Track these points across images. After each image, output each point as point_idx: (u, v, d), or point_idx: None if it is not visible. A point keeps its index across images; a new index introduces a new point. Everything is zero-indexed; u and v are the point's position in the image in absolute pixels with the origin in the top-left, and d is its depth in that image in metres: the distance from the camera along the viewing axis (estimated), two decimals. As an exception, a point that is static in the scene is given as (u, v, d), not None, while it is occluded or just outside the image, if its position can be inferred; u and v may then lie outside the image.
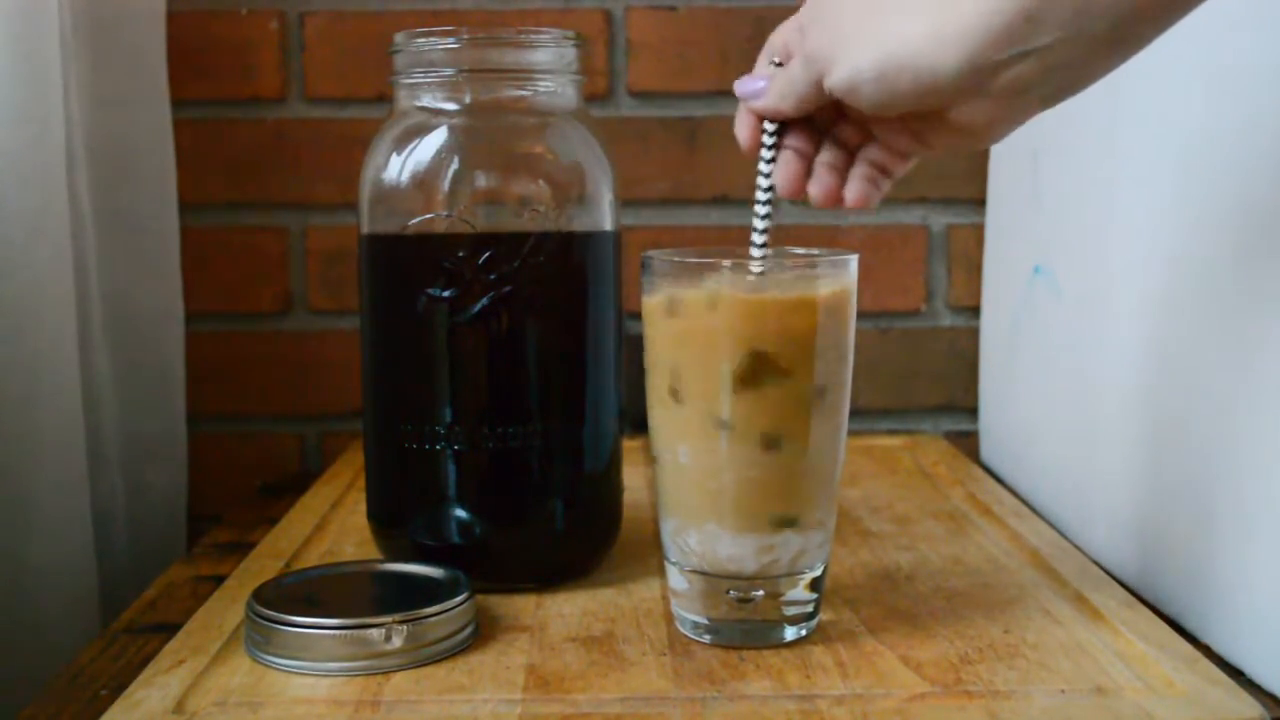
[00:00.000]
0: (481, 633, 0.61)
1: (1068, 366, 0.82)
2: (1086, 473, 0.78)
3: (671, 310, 0.59)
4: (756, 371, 0.57)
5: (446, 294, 0.65)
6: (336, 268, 1.04)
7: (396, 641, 0.57)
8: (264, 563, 0.71)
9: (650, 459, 0.63)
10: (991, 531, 0.77)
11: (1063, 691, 0.54)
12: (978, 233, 1.05)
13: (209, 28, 1.02)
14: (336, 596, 0.61)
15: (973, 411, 1.06)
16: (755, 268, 0.59)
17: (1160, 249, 0.69)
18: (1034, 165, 0.89)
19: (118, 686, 0.56)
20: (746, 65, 0.61)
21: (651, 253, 0.61)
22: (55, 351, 0.79)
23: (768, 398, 0.58)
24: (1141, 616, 0.62)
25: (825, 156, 0.59)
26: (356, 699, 0.54)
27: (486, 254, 0.65)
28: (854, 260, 0.60)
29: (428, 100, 0.68)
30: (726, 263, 0.59)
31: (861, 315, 0.62)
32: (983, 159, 1.03)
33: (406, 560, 0.66)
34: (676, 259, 0.60)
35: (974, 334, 1.06)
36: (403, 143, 0.67)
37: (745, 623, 0.60)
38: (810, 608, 0.61)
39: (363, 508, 0.73)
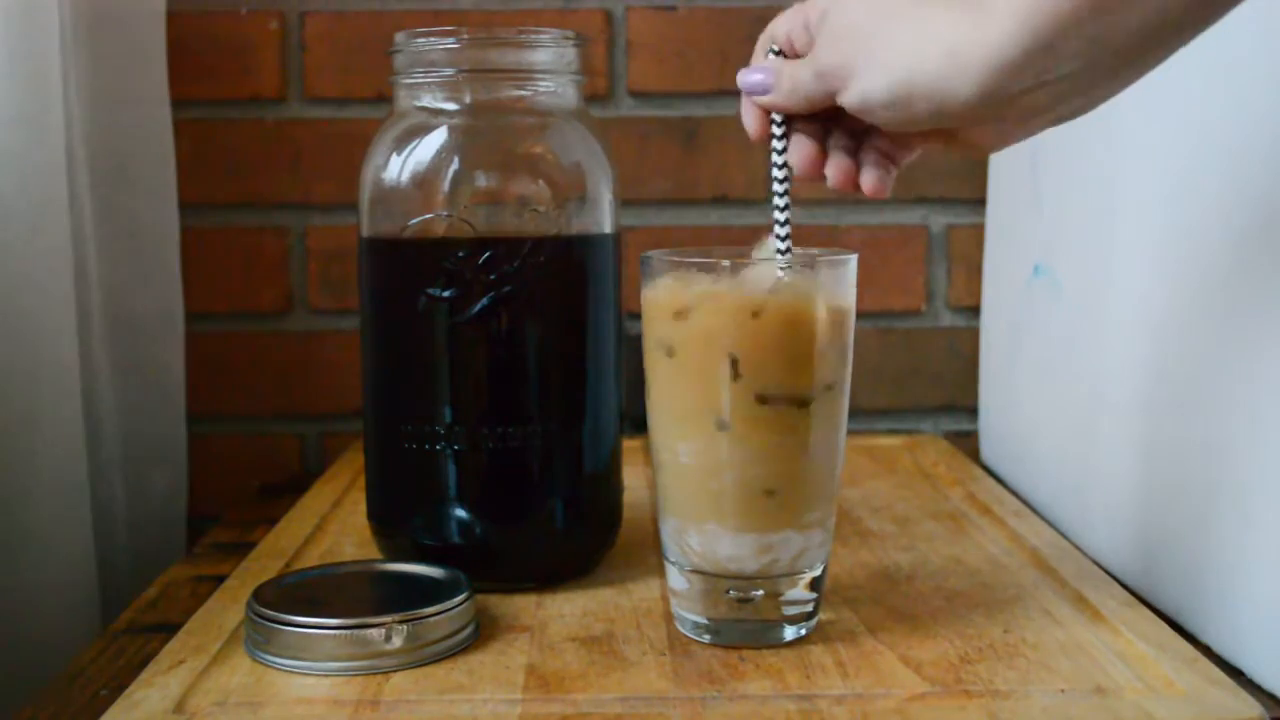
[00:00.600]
0: (481, 633, 0.61)
1: (1068, 366, 0.82)
2: (1086, 473, 0.78)
3: (671, 310, 0.59)
4: (757, 372, 0.57)
5: (446, 294, 0.65)
6: (336, 268, 1.04)
7: (396, 641, 0.57)
8: (264, 563, 0.71)
9: (650, 459, 0.63)
10: (991, 531, 0.77)
11: (1063, 691, 0.54)
12: (978, 233, 1.05)
13: (209, 28, 1.02)
14: (336, 596, 0.61)
15: (973, 411, 1.06)
16: (781, 259, 0.59)
17: (1160, 249, 0.69)
18: (1034, 165, 0.89)
19: (118, 686, 0.56)
20: (746, 65, 0.61)
21: (651, 253, 0.61)
22: (55, 351, 0.79)
23: (768, 397, 0.58)
24: (1141, 616, 0.62)
25: (837, 140, 0.59)
26: (356, 699, 0.54)
27: (486, 254, 0.65)
28: (854, 260, 0.60)
29: (428, 100, 0.68)
30: (726, 263, 0.59)
31: (861, 315, 0.62)
32: (982, 159, 1.03)
33: (406, 560, 0.66)
34: (676, 259, 0.60)
35: (974, 334, 1.06)
36: (403, 143, 0.67)
37: (745, 622, 0.60)
38: (810, 607, 0.61)
39: (363, 508, 0.73)
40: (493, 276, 0.65)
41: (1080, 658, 0.58)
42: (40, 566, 0.78)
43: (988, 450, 1.01)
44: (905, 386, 1.07)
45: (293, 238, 1.04)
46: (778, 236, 0.59)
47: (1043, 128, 0.54)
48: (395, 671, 0.56)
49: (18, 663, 0.76)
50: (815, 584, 0.61)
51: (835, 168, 0.58)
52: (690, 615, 0.61)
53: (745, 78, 0.59)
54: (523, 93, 0.68)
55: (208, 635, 0.61)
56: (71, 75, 0.86)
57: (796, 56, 0.58)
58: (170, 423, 0.98)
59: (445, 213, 0.66)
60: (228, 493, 1.01)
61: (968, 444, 1.05)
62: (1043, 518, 0.81)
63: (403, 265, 0.68)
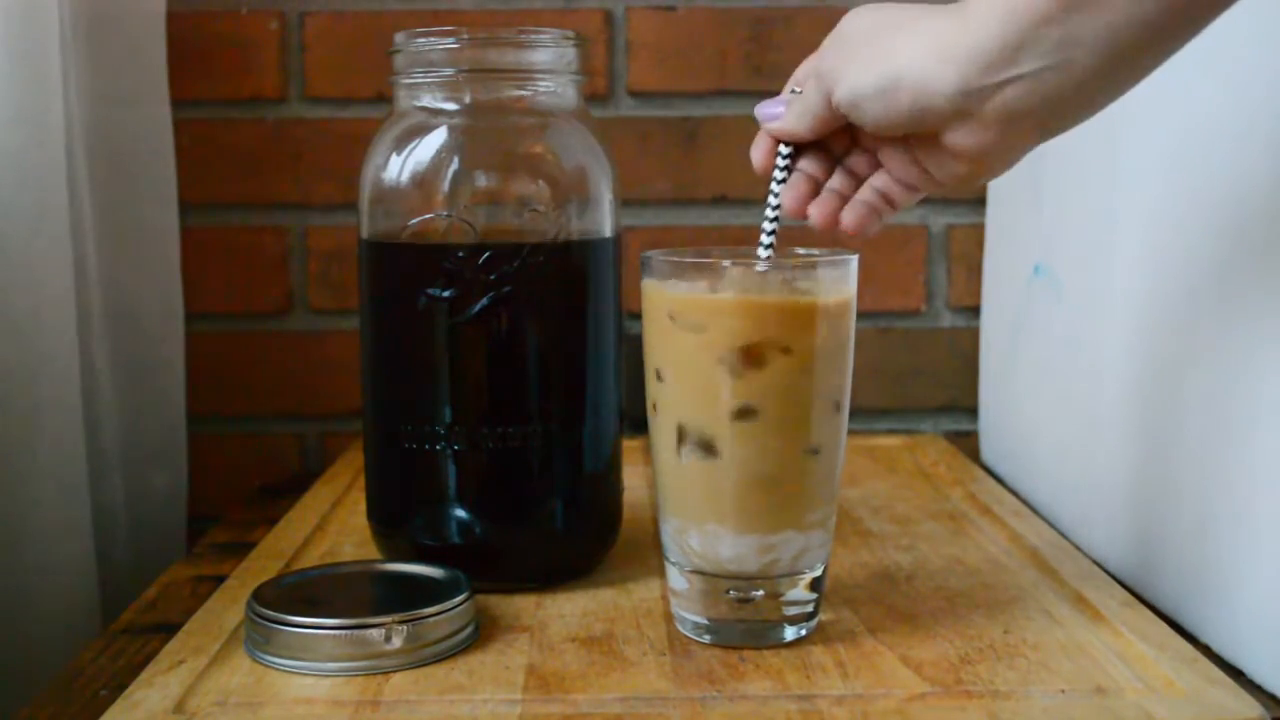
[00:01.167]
0: (481, 633, 0.61)
1: (1068, 366, 0.82)
2: (1086, 473, 0.78)
3: (671, 310, 0.59)
4: (756, 371, 0.57)
5: (446, 294, 0.65)
6: (336, 268, 1.04)
7: (396, 641, 0.57)
8: (264, 563, 0.71)
9: (650, 459, 0.63)
10: (991, 531, 0.77)
11: (1063, 691, 0.54)
12: (978, 233, 1.05)
13: (209, 28, 1.02)
14: (336, 596, 0.61)
15: (973, 411, 1.06)
16: (775, 262, 0.59)
17: (1160, 249, 0.69)
18: (1034, 165, 0.88)
19: (118, 686, 0.56)
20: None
21: (651, 252, 0.61)
22: (55, 351, 0.79)
23: (767, 397, 0.58)
24: (1141, 616, 0.62)
25: (834, 182, 0.61)
26: (356, 699, 0.54)
27: (486, 254, 0.65)
28: (854, 260, 0.60)
29: (428, 100, 0.68)
30: (726, 263, 0.59)
31: (861, 315, 0.62)
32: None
33: (406, 560, 0.66)
34: (676, 259, 0.60)
35: (974, 334, 1.06)
36: (403, 143, 0.67)
37: (745, 623, 0.60)
38: (810, 607, 0.61)
39: (363, 508, 0.73)
40: (492, 276, 0.65)
41: (1080, 658, 0.58)
42: (40, 566, 0.78)
43: (988, 450, 1.01)
44: (905, 386, 1.07)
45: (293, 238, 1.04)
46: (759, 260, 0.60)
47: (1029, 140, 0.55)
48: (395, 671, 0.56)
49: (18, 663, 0.76)
50: (815, 584, 0.61)
51: (819, 207, 0.60)
52: (690, 615, 0.61)
53: (763, 109, 0.61)
54: (523, 93, 0.68)
55: (208, 635, 0.61)
56: (71, 75, 0.86)
57: None
58: (170, 423, 0.98)
59: (445, 213, 0.66)
60: (228, 493, 1.01)
61: (968, 444, 1.05)
62: (1043, 518, 0.81)
63: (403, 265, 0.68)
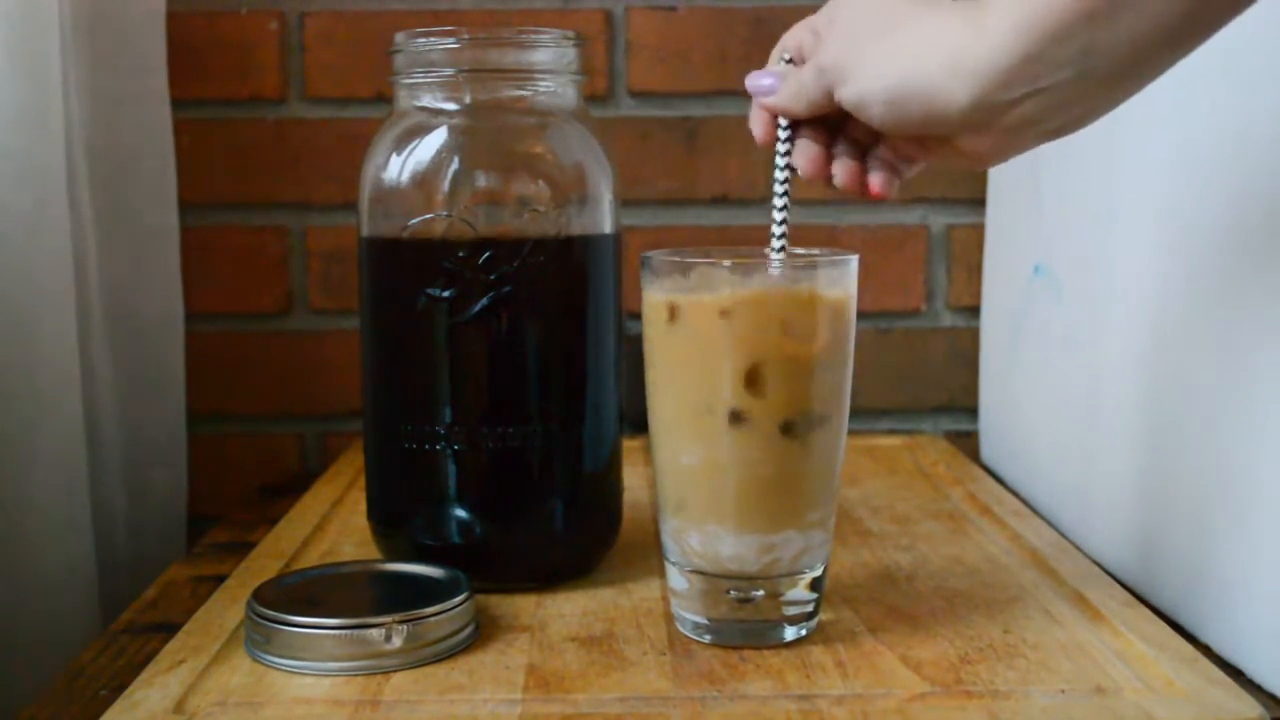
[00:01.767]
0: (481, 633, 0.61)
1: (1068, 366, 0.82)
2: (1086, 473, 0.78)
3: (671, 310, 0.59)
4: (756, 372, 0.57)
5: (446, 294, 0.65)
6: (336, 268, 1.04)
7: (396, 641, 0.57)
8: (264, 563, 0.71)
9: (650, 459, 0.63)
10: (991, 531, 0.77)
11: (1063, 691, 0.54)
12: (978, 233, 1.05)
13: (209, 28, 1.02)
14: (336, 596, 0.61)
15: (973, 411, 1.06)
16: (775, 261, 0.59)
17: (1160, 249, 0.69)
18: (1034, 165, 0.88)
19: (118, 686, 0.56)
20: (746, 65, 0.61)
21: (651, 252, 0.61)
22: (55, 351, 0.79)
23: (768, 398, 0.58)
24: (1141, 616, 0.62)
25: (842, 148, 0.60)
26: (356, 699, 0.54)
27: (486, 254, 0.65)
28: (854, 260, 0.60)
29: (428, 100, 0.68)
30: (726, 262, 0.59)
31: (861, 315, 0.62)
32: (979, 172, 1.03)
33: (406, 560, 0.66)
34: (676, 259, 0.60)
35: (974, 334, 1.06)
36: (403, 143, 0.67)
37: (745, 622, 0.60)
38: (810, 607, 0.61)
39: (363, 508, 0.73)
40: (493, 276, 0.65)
41: (1080, 658, 0.58)
42: (40, 566, 0.78)
43: (988, 450, 1.01)
44: (905, 386, 1.07)
45: (293, 238, 1.04)
46: (774, 238, 0.60)
47: (1037, 142, 0.54)
48: (395, 671, 0.56)
49: (18, 663, 0.76)
50: (816, 584, 0.61)
51: (842, 168, 0.59)
52: (690, 615, 0.61)
53: (753, 81, 0.60)
54: (523, 93, 0.68)
55: (208, 635, 0.61)
56: (71, 75, 0.86)
57: None
58: (170, 423, 0.98)
59: (445, 213, 0.66)
60: (228, 493, 1.01)
61: (968, 444, 1.05)
62: (1043, 518, 0.81)
63: (403, 265, 0.68)
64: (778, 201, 0.60)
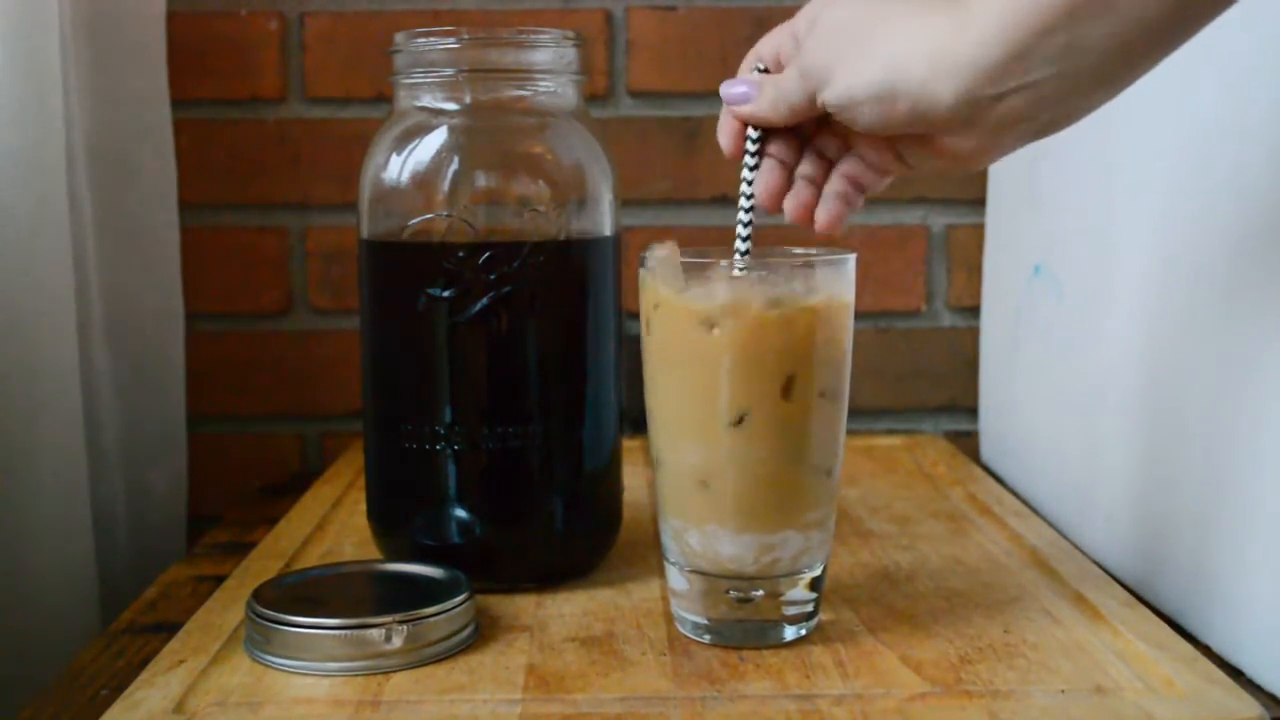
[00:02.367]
0: (481, 633, 0.61)
1: (1068, 366, 0.82)
2: (1086, 473, 0.78)
3: (671, 310, 0.59)
4: (756, 371, 0.57)
5: (446, 294, 0.65)
6: (336, 268, 1.04)
7: (396, 641, 0.57)
8: (264, 563, 0.71)
9: (650, 459, 0.63)
10: (991, 531, 0.77)
11: (1063, 691, 0.54)
12: (978, 233, 1.05)
13: (209, 28, 1.02)
14: (336, 596, 0.61)
15: (973, 411, 1.06)
16: (738, 272, 0.59)
17: (1160, 248, 0.69)
18: (1033, 165, 0.89)
19: (118, 686, 0.56)
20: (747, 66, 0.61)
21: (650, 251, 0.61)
22: (55, 351, 0.79)
23: (767, 397, 0.58)
24: (1141, 616, 0.62)
25: (805, 168, 0.60)
26: (356, 699, 0.54)
27: (486, 254, 0.65)
28: (852, 260, 0.60)
29: (428, 100, 0.68)
30: (725, 263, 0.59)
31: (861, 315, 0.62)
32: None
33: (406, 560, 0.66)
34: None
35: (974, 334, 1.06)
36: (403, 143, 0.67)
37: (745, 622, 0.60)
38: (810, 607, 0.61)
39: (363, 508, 0.73)
40: (493, 276, 0.65)
41: (1080, 658, 0.58)
42: (40, 566, 0.78)
43: (988, 450, 1.01)
44: (905, 386, 1.07)
45: (293, 238, 1.04)
46: (738, 254, 0.59)
47: (1022, 142, 0.54)
48: (395, 671, 0.56)
49: (18, 663, 0.76)
50: (815, 584, 0.61)
51: (793, 200, 0.59)
52: (690, 615, 0.61)
53: (728, 89, 0.59)
54: (523, 93, 0.68)
55: (208, 635, 0.61)
56: (71, 75, 0.86)
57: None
58: (170, 423, 0.98)
59: (445, 213, 0.66)
60: (228, 493, 1.01)
61: (968, 444, 1.05)
62: (1043, 518, 0.81)
63: (403, 265, 0.68)
64: (743, 217, 0.60)
